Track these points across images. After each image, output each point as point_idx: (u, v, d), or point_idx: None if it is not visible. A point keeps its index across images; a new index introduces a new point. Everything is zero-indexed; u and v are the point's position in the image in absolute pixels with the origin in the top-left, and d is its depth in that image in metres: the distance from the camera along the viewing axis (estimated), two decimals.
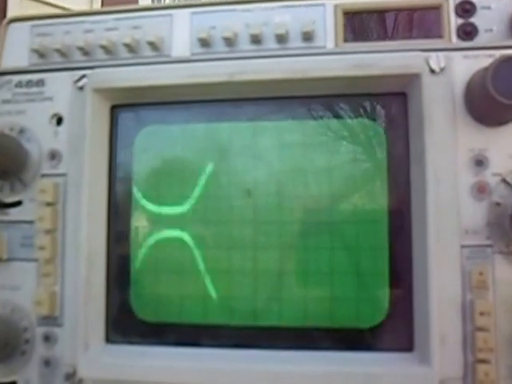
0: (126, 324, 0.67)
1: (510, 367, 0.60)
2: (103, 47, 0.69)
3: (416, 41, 0.65)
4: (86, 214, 0.64)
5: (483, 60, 0.63)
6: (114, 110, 0.68)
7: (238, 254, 0.65)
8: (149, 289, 0.67)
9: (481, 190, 0.62)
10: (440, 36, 0.66)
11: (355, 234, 0.64)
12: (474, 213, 0.62)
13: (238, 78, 0.63)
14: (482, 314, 0.59)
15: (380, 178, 0.64)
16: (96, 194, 0.66)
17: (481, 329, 0.60)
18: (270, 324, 0.65)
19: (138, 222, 0.67)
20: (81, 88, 0.67)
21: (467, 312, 0.61)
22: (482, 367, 0.59)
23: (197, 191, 0.66)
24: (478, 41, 0.64)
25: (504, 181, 0.62)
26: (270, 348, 0.64)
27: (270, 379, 0.61)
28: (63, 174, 0.67)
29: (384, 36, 0.67)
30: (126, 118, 0.68)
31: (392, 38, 0.67)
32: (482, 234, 0.61)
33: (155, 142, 0.68)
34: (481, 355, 0.59)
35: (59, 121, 0.68)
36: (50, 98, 0.69)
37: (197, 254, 0.66)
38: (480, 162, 0.62)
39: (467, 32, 0.65)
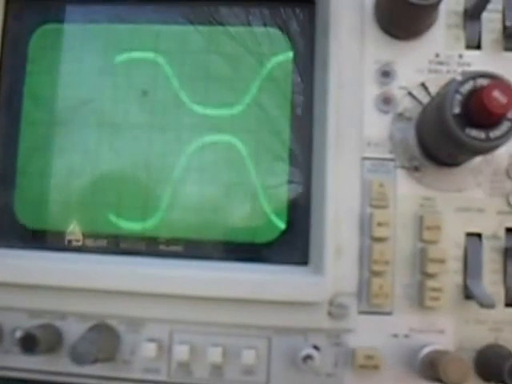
0: (8, 226, 0.58)
1: (406, 286, 0.54)
2: None
3: None
4: None
5: None
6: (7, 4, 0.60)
7: (130, 160, 0.57)
8: (32, 193, 0.58)
9: (386, 101, 0.56)
10: None
11: (254, 145, 0.57)
12: (378, 125, 0.56)
13: None
14: (380, 224, 0.53)
15: (284, 86, 0.57)
16: None
17: (378, 239, 0.53)
18: (159, 235, 0.56)
19: (29, 122, 0.59)
20: None
21: (365, 226, 0.54)
22: (376, 280, 0.53)
23: (94, 93, 0.58)
24: None
25: (410, 94, 0.55)
26: (154, 256, 0.55)
27: (144, 282, 0.53)
28: None
29: None
30: (20, 13, 0.60)
31: None
32: (384, 147, 0.55)
33: (52, 42, 0.59)
34: (376, 267, 0.53)
35: None
36: None
37: (89, 156, 0.57)
38: (386, 74, 0.56)
39: None
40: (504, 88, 0.43)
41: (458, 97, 0.46)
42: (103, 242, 0.57)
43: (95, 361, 0.50)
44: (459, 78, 0.46)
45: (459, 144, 0.46)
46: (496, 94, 0.43)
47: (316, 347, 0.53)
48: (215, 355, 0.53)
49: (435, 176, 0.54)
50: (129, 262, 0.54)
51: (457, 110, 0.46)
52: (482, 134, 0.45)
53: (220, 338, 0.54)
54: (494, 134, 0.45)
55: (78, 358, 0.49)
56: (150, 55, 0.58)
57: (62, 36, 0.59)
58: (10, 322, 0.56)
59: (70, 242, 0.58)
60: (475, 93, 0.45)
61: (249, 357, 0.53)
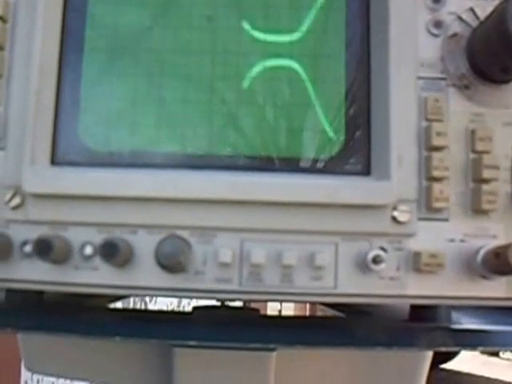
0: (74, 148, 0.59)
1: (459, 195, 0.57)
2: None
3: None
4: (41, 28, 0.57)
5: None
6: None
7: (194, 83, 0.59)
8: (97, 116, 0.59)
9: (437, 25, 0.59)
10: None
11: (314, 69, 0.60)
12: (430, 47, 0.59)
13: None
14: (438, 134, 0.56)
15: (340, 14, 0.61)
16: (51, 11, 0.58)
17: (437, 148, 0.56)
18: (225, 153, 0.58)
19: (92, 49, 0.60)
20: None
21: (422, 138, 0.57)
22: (437, 186, 0.56)
23: (157, 20, 0.60)
24: None
25: (459, 18, 0.59)
26: (225, 170, 0.58)
27: (216, 188, 0.55)
28: None
29: None
30: None
31: None
32: (436, 67, 0.59)
33: None
34: (436, 173, 0.56)
35: None
36: None
37: (153, 80, 0.59)
38: (437, 0, 0.59)
39: None
40: None
41: None
42: (171, 159, 0.58)
43: (178, 263, 0.52)
44: None
45: None
46: None
47: (383, 248, 0.55)
48: (285, 262, 0.55)
49: (484, 93, 0.58)
50: (198, 174, 0.56)
51: None
52: None
53: (289, 245, 0.56)
54: None
55: (165, 256, 0.51)
56: None
57: None
58: (79, 238, 0.57)
59: (134, 159, 0.58)
60: None
61: (318, 262, 0.55)
